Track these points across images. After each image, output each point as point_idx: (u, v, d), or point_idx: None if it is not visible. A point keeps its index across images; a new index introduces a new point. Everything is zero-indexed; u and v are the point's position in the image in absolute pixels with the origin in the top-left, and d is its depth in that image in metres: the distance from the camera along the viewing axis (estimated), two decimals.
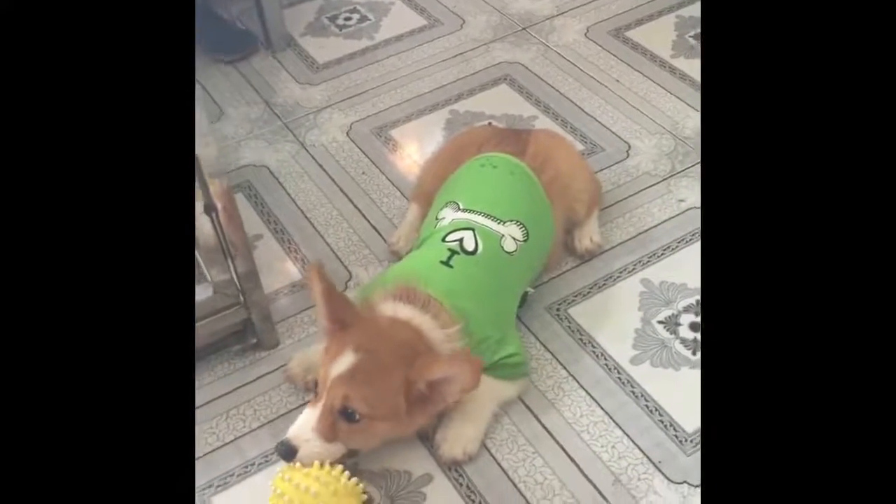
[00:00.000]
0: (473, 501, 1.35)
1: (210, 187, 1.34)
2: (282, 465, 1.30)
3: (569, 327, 1.60)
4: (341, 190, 1.92)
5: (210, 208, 1.36)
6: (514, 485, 1.37)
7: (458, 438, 1.41)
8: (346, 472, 1.27)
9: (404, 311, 1.38)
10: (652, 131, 2.02)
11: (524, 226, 1.55)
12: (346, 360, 1.28)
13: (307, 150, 2.03)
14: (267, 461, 1.42)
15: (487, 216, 1.53)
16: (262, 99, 2.20)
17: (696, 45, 2.27)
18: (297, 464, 1.28)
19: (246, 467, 1.42)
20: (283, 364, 1.55)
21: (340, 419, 1.29)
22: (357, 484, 1.27)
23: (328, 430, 1.29)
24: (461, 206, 1.56)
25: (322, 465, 1.27)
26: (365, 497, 1.30)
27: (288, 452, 1.29)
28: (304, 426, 1.30)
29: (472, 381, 1.28)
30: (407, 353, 1.32)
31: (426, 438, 1.44)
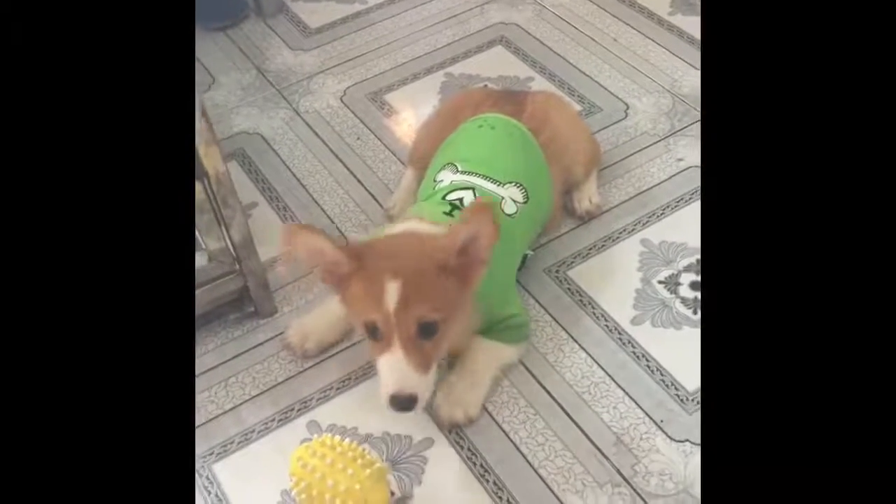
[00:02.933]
0: (475, 464, 1.35)
1: (201, 154, 1.32)
2: (282, 436, 1.29)
3: (569, 289, 1.59)
4: (336, 156, 1.90)
5: (201, 175, 1.34)
6: (516, 447, 1.36)
7: (459, 401, 1.40)
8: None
9: (399, 227, 1.39)
10: (650, 90, 1.99)
11: (524, 187, 1.53)
12: (393, 288, 1.23)
13: (301, 117, 2.01)
14: (266, 428, 1.42)
15: (487, 178, 1.51)
16: (253, 65, 2.17)
17: (695, 1, 2.23)
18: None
19: (246, 435, 1.41)
20: (281, 332, 1.54)
21: (420, 342, 1.26)
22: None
23: (422, 360, 1.25)
24: (460, 168, 1.53)
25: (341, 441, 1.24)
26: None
27: (409, 402, 1.24)
28: (402, 370, 1.24)
29: (492, 226, 1.24)
30: (423, 247, 1.30)
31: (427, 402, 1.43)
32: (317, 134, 1.96)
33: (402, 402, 1.25)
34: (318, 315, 1.52)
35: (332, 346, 1.51)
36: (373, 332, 1.27)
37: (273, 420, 1.43)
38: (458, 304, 1.30)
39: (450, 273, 1.27)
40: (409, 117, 1.99)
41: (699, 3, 2.21)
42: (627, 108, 1.95)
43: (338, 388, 1.47)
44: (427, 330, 1.26)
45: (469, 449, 1.37)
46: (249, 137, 1.96)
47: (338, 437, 1.25)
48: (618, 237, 1.67)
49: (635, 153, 1.83)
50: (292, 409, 1.44)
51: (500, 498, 1.30)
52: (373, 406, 1.42)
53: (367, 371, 1.48)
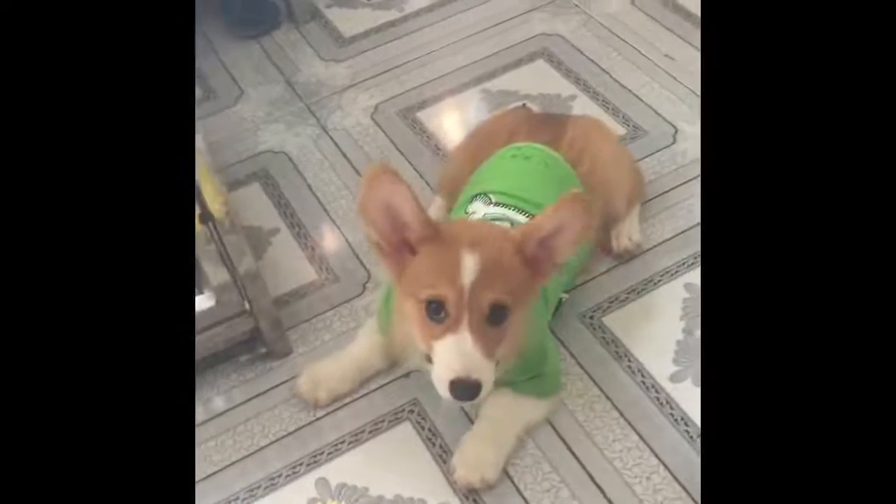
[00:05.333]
0: None
1: (204, 192, 1.23)
2: (288, 494, 1.19)
3: (603, 338, 1.46)
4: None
5: (206, 217, 1.25)
6: None
7: (478, 463, 1.29)
8: None
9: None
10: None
11: None
12: (471, 263, 1.13)
13: (329, 135, 1.91)
14: (273, 485, 1.33)
15: (522, 211, 1.39)
16: (283, 77, 2.07)
17: None
18: None
19: (251, 491, 1.33)
20: (295, 376, 1.44)
21: (488, 327, 1.15)
22: None
23: (489, 345, 1.15)
24: (493, 200, 1.41)
25: None
26: None
27: (473, 390, 1.13)
28: (467, 353, 1.13)
29: (585, 223, 1.17)
30: (503, 230, 1.24)
31: (443, 462, 1.32)
32: (344, 154, 1.85)
33: (466, 390, 1.13)
34: (331, 361, 1.43)
35: (345, 395, 1.41)
36: (436, 311, 1.16)
37: (280, 475, 1.34)
38: (527, 297, 1.21)
39: (524, 260, 1.18)
40: (441, 138, 1.88)
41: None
42: (676, 132, 1.81)
43: (350, 443, 1.37)
44: (498, 315, 1.16)
45: None
46: (274, 156, 1.87)
47: None
48: (659, 280, 1.54)
49: (682, 184, 1.69)
50: (301, 464, 1.35)
51: None
52: (386, 464, 1.34)
53: (381, 424, 1.38)
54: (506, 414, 1.33)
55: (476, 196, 1.44)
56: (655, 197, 1.67)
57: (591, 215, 1.18)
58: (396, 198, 1.14)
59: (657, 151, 1.77)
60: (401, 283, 1.22)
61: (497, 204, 1.41)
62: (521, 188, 1.43)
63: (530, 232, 1.18)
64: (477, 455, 1.30)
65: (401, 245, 1.19)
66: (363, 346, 1.44)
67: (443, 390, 1.16)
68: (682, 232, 1.61)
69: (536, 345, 1.33)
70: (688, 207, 1.65)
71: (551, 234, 1.17)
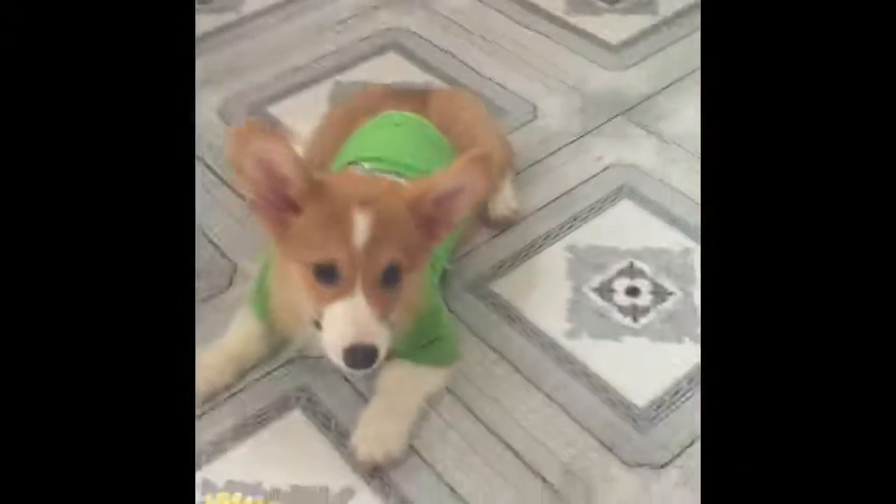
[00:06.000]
0: None
1: None
2: None
3: (493, 304, 1.41)
4: (218, 176, 1.67)
5: None
6: (452, 489, 1.17)
7: (379, 438, 1.19)
8: None
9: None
10: (557, 90, 1.85)
11: None
12: (363, 221, 1.05)
13: None
14: None
15: (399, 175, 1.32)
16: None
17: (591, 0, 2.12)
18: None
19: None
20: None
21: (382, 290, 1.07)
22: None
23: (384, 308, 1.07)
24: (367, 168, 1.34)
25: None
26: None
27: (370, 356, 1.06)
28: (363, 318, 1.05)
29: (484, 181, 1.11)
30: (394, 185, 1.16)
31: (342, 446, 1.21)
32: (195, 153, 1.72)
33: (362, 356, 1.06)
34: (206, 354, 1.29)
35: (223, 388, 1.28)
36: (327, 274, 1.07)
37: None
38: (421, 257, 1.14)
39: (418, 219, 1.11)
40: (295, 129, 1.79)
41: (596, 2, 2.11)
42: (535, 109, 1.81)
43: (233, 438, 1.23)
44: (392, 276, 1.08)
45: (398, 496, 1.16)
46: None
47: (238, 495, 1.03)
48: (541, 245, 1.51)
49: (550, 155, 1.69)
50: None
51: None
52: (278, 455, 1.21)
53: (267, 414, 1.26)
54: (404, 384, 1.25)
55: (348, 165, 1.36)
56: (526, 168, 1.65)
57: (490, 176, 1.14)
58: (272, 152, 1.06)
59: (520, 127, 1.76)
60: (283, 245, 1.13)
61: (372, 170, 1.33)
62: (396, 153, 1.37)
63: (427, 190, 1.12)
64: (377, 429, 1.20)
65: (281, 203, 1.10)
66: (240, 335, 1.31)
67: (336, 358, 1.07)
68: (557, 198, 1.59)
69: (430, 308, 1.26)
70: (557, 176, 1.64)
71: (450, 193, 1.12)
